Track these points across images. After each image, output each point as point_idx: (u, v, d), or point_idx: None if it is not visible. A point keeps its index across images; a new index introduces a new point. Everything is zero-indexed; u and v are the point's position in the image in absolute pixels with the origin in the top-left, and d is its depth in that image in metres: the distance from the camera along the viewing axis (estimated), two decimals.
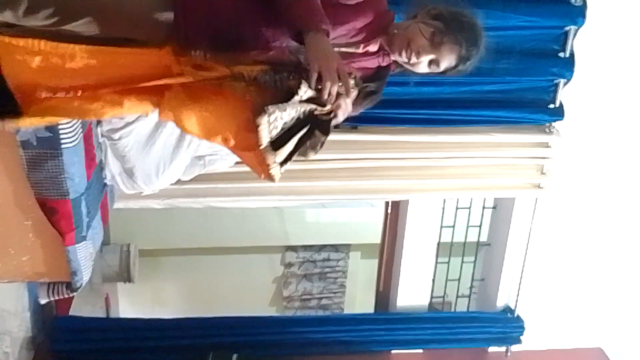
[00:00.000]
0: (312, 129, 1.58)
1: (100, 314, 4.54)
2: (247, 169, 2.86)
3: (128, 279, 4.87)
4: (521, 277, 3.51)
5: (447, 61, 1.69)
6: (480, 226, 3.66)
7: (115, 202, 2.57)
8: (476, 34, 1.73)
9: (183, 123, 1.57)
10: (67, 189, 1.89)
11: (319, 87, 1.48)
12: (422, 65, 1.71)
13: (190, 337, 3.35)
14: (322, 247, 6.18)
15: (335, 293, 6.28)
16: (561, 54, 2.89)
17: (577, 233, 3.46)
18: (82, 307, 3.73)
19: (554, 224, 3.42)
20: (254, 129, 1.47)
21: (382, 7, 1.82)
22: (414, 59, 1.69)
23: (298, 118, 1.55)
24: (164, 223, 5.16)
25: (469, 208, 3.59)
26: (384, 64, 1.82)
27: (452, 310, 3.91)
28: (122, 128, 2.13)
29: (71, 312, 3.41)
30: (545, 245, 3.46)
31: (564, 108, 3.00)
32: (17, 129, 1.67)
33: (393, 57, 1.79)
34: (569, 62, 2.89)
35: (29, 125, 1.62)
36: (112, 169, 2.25)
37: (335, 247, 6.19)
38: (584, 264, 3.56)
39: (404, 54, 1.70)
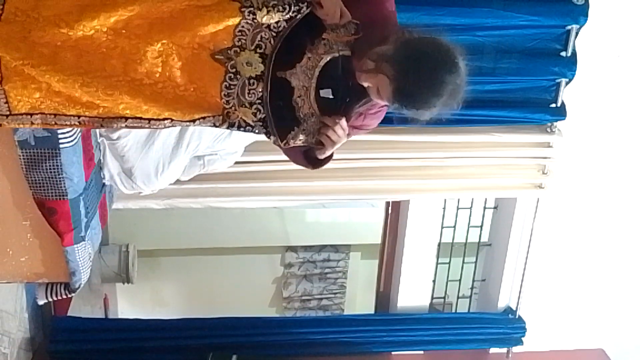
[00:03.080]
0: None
1: (99, 314, 4.53)
2: (247, 168, 2.89)
3: (127, 279, 4.86)
4: (523, 278, 3.50)
5: (384, 93, 1.53)
6: (481, 226, 3.65)
7: (114, 202, 2.56)
8: (429, 67, 1.47)
9: None
10: (66, 189, 1.88)
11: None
12: (371, 92, 1.57)
13: (189, 338, 3.34)
14: (322, 248, 6.17)
15: (335, 294, 6.27)
16: (563, 53, 2.88)
17: (578, 233, 3.45)
18: (81, 308, 3.72)
19: (556, 224, 3.40)
20: None
21: (383, 16, 1.75)
22: (360, 80, 1.56)
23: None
24: (163, 223, 5.15)
25: (470, 208, 3.58)
26: None
27: (453, 311, 3.90)
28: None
29: (70, 313, 3.40)
30: (547, 245, 3.44)
31: (566, 108, 2.99)
32: None
33: None
34: (571, 62, 2.88)
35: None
36: (111, 169, 2.24)
37: (335, 248, 6.18)
38: (585, 265, 3.55)
39: (356, 74, 1.58)
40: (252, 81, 1.50)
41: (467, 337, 3.56)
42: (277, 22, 1.48)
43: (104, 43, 1.45)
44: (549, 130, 3.07)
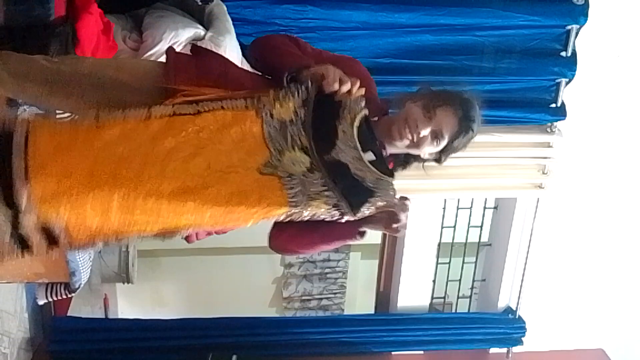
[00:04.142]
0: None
1: (99, 314, 4.53)
2: None
3: (127, 279, 4.85)
4: (522, 278, 3.50)
5: (448, 127, 1.56)
6: (481, 226, 3.65)
7: None
8: (465, 96, 1.61)
9: None
10: None
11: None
12: (426, 142, 1.58)
13: (189, 338, 3.34)
14: None
15: (335, 294, 6.26)
16: (563, 53, 2.88)
17: (578, 233, 3.45)
18: (81, 308, 3.72)
19: (556, 224, 3.40)
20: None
21: (374, 93, 1.72)
22: (415, 135, 1.57)
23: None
24: None
25: (470, 208, 3.58)
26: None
27: (453, 311, 3.90)
28: None
29: (70, 313, 3.40)
30: (547, 245, 3.44)
31: (566, 108, 2.99)
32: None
33: (392, 149, 1.67)
34: (571, 62, 2.88)
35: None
36: None
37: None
38: (585, 265, 3.55)
39: (404, 133, 1.58)
40: (307, 175, 1.47)
41: (467, 337, 3.56)
42: (295, 114, 1.46)
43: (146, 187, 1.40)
44: (549, 130, 3.07)
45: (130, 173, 1.39)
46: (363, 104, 1.49)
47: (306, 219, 1.52)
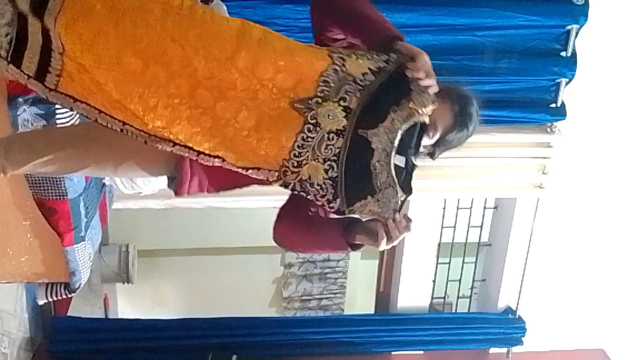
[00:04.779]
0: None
1: (99, 314, 4.53)
2: None
3: (127, 279, 4.85)
4: (522, 278, 3.50)
5: (442, 120, 1.52)
6: (481, 226, 3.65)
7: (114, 202, 2.56)
8: (464, 92, 1.59)
9: None
10: (66, 189, 1.88)
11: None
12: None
13: (189, 338, 3.34)
14: None
15: (335, 294, 6.26)
16: (563, 53, 2.88)
17: (578, 233, 3.45)
18: (81, 308, 3.71)
19: (556, 224, 3.40)
20: None
21: None
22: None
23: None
24: (163, 223, 5.14)
25: (470, 208, 3.58)
26: None
27: (453, 311, 3.90)
28: None
29: (70, 313, 3.40)
30: (547, 245, 3.44)
31: (566, 108, 2.99)
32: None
33: None
34: (571, 62, 2.88)
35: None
36: None
37: None
38: (585, 265, 3.55)
39: None
40: (331, 135, 1.39)
41: (467, 337, 3.56)
42: (364, 75, 1.39)
43: (176, 58, 1.35)
44: (549, 130, 3.07)
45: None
46: (429, 109, 1.43)
47: (294, 185, 1.43)
